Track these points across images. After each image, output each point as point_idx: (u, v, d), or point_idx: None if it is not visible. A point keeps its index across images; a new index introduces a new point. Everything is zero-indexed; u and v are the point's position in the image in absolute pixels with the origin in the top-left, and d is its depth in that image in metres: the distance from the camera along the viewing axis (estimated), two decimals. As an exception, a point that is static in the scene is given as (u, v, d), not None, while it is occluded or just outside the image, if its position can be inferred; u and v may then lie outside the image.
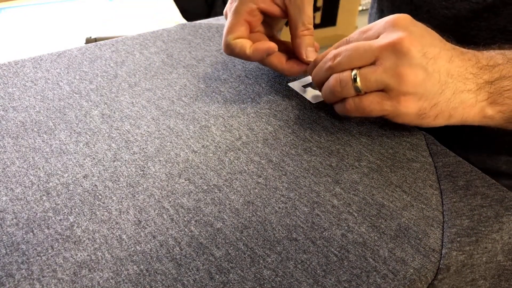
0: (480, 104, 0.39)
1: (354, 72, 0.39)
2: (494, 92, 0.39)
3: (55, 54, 0.52)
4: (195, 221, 0.34)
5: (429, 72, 0.38)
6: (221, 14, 0.58)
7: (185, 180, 0.37)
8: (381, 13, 0.62)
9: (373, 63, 0.39)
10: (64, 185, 0.36)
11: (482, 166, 0.55)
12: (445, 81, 0.38)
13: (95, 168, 0.38)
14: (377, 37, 0.40)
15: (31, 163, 0.38)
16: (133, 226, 0.33)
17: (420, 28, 0.39)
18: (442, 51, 0.38)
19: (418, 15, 0.54)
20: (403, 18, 0.39)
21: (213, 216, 0.34)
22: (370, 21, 0.66)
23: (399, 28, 0.38)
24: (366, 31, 0.41)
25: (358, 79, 0.39)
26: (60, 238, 0.32)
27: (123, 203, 0.35)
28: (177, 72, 0.50)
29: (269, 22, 0.49)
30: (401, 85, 0.37)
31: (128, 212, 0.34)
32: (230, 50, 0.46)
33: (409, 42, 0.37)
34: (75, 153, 0.39)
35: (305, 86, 0.49)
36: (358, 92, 0.39)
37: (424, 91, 0.38)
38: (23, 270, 0.30)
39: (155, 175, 0.37)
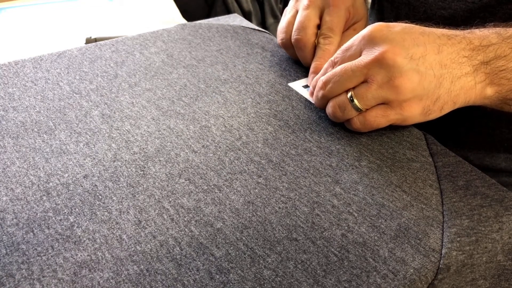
0: (480, 85, 0.40)
1: (349, 94, 0.40)
2: (490, 72, 0.39)
3: (55, 54, 0.52)
4: (195, 221, 0.34)
5: (422, 72, 0.38)
6: (221, 14, 0.59)
7: (185, 180, 0.37)
8: (381, 13, 0.63)
9: (364, 81, 0.39)
10: (64, 185, 0.36)
11: (481, 164, 0.55)
12: (440, 74, 0.38)
13: (95, 168, 0.38)
14: (360, 54, 0.40)
15: (31, 163, 0.38)
16: (133, 226, 0.33)
17: (398, 32, 0.39)
18: (427, 46, 0.39)
19: (415, 16, 0.55)
20: (378, 29, 0.39)
21: (213, 216, 0.34)
22: (370, 21, 0.66)
23: (378, 41, 0.39)
24: (348, 49, 0.42)
25: (355, 100, 0.40)
26: (60, 238, 0.32)
27: (123, 203, 0.35)
28: (177, 72, 0.50)
29: None
30: (400, 94, 0.38)
31: (128, 212, 0.34)
32: (304, 45, 0.50)
33: (392, 53, 0.38)
34: (75, 153, 0.39)
35: (305, 86, 0.49)
36: (359, 111, 0.40)
37: (423, 91, 0.38)
38: (23, 270, 0.30)
39: (155, 175, 0.37)
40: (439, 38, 0.39)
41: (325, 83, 0.42)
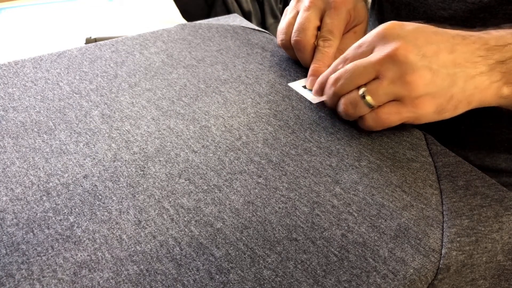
0: (495, 85, 0.39)
1: (361, 90, 0.40)
2: (506, 71, 0.39)
3: (55, 54, 0.52)
4: (195, 221, 0.34)
5: (434, 69, 0.38)
6: (221, 14, 0.59)
7: (185, 180, 0.37)
8: (381, 14, 0.62)
9: (376, 78, 0.39)
10: (64, 185, 0.36)
11: (481, 164, 0.55)
12: (453, 72, 0.38)
13: (95, 168, 0.38)
14: (372, 51, 0.40)
15: (31, 163, 0.38)
16: (133, 226, 0.33)
17: (411, 31, 0.39)
18: (440, 45, 0.38)
19: (415, 16, 0.55)
20: (391, 27, 0.40)
21: (213, 216, 0.34)
22: (370, 22, 0.66)
23: (390, 38, 0.39)
24: (360, 46, 0.42)
25: (367, 96, 0.39)
26: (60, 238, 0.32)
27: (123, 203, 0.35)
28: (177, 72, 0.50)
29: None
30: (412, 90, 0.38)
31: (128, 212, 0.34)
32: (304, 47, 0.50)
33: (405, 50, 0.37)
34: (75, 153, 0.39)
35: (305, 87, 0.49)
36: (371, 108, 0.40)
37: (436, 88, 0.38)
38: (23, 270, 0.30)
39: (155, 175, 0.37)
40: (453, 38, 0.39)
41: (336, 80, 0.41)
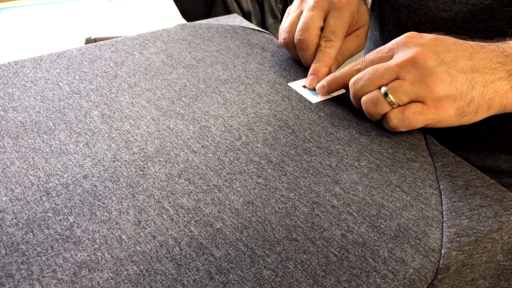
0: None
1: (383, 88, 0.41)
2: None
3: (55, 54, 0.52)
4: (195, 221, 0.34)
5: (453, 74, 0.39)
6: (221, 14, 0.59)
7: (185, 180, 0.37)
8: (381, 16, 0.62)
9: (396, 78, 0.40)
10: (64, 186, 0.36)
11: (482, 165, 0.55)
12: (472, 77, 0.39)
13: (95, 168, 0.38)
14: (391, 57, 0.42)
15: (31, 163, 0.38)
16: (133, 227, 0.33)
17: (430, 39, 0.40)
18: (458, 52, 0.40)
19: (416, 18, 0.55)
20: (411, 35, 0.41)
21: (213, 216, 0.34)
22: (370, 24, 0.66)
23: (410, 45, 0.40)
24: (379, 51, 0.43)
25: (389, 94, 0.40)
26: (60, 239, 0.32)
27: (123, 203, 0.35)
28: (177, 72, 0.50)
29: None
30: (432, 91, 0.39)
31: (128, 212, 0.34)
32: (307, 46, 0.50)
33: (423, 55, 0.39)
34: (75, 153, 0.39)
35: (305, 86, 0.49)
36: (392, 105, 0.41)
37: (455, 91, 0.39)
38: (23, 271, 0.30)
39: (155, 175, 0.37)
40: (471, 46, 0.40)
41: (356, 81, 0.43)
